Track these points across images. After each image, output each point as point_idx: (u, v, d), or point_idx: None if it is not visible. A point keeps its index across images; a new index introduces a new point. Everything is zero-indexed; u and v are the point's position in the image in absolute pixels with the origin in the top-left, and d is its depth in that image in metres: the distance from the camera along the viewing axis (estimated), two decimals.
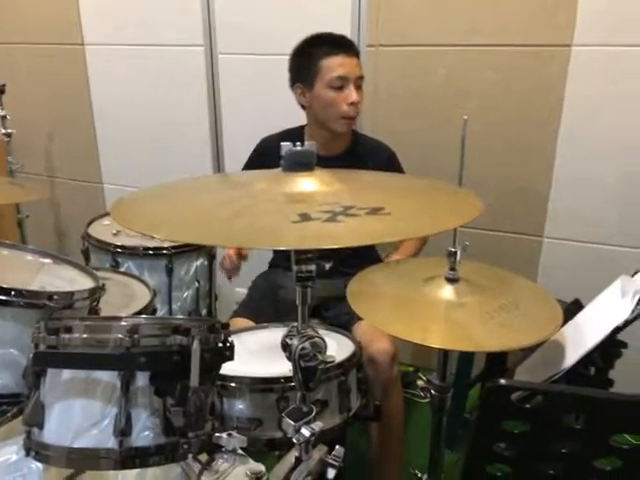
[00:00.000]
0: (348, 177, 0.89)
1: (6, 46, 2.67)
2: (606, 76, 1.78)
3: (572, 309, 1.30)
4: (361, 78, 1.62)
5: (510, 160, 1.97)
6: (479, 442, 0.85)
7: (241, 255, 1.73)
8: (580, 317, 1.16)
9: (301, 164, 0.81)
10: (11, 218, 2.51)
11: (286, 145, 0.83)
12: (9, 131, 2.37)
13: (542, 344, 1.17)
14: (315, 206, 0.71)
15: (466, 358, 1.74)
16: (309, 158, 0.81)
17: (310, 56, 1.60)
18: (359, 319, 1.49)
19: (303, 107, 1.69)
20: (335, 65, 1.56)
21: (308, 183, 0.80)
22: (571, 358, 1.02)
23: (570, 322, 1.16)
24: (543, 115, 1.88)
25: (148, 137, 2.52)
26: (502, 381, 0.81)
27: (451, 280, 1.09)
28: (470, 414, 1.92)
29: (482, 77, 1.92)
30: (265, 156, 1.70)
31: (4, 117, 2.36)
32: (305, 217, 0.67)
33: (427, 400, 1.19)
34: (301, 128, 1.74)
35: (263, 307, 1.66)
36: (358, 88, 1.61)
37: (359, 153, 1.71)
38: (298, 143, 0.83)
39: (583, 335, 1.07)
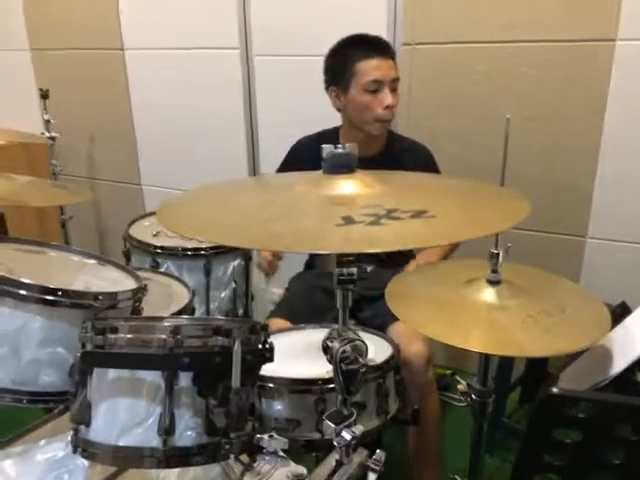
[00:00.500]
0: (389, 179, 0.88)
1: (49, 52, 2.75)
2: None
3: (619, 312, 1.26)
4: (396, 80, 1.61)
5: (551, 158, 1.92)
6: (529, 451, 0.83)
7: (276, 255, 1.73)
8: (629, 321, 1.12)
9: (342, 166, 0.80)
10: (55, 219, 2.59)
11: (327, 147, 0.82)
12: (53, 135, 2.44)
13: (588, 348, 1.14)
14: (358, 209, 0.70)
15: (506, 361, 1.71)
16: (350, 160, 0.81)
17: (345, 59, 1.59)
18: (394, 320, 1.48)
19: (338, 109, 1.68)
20: (370, 68, 1.55)
21: (349, 185, 0.79)
22: (620, 364, 0.99)
23: (618, 326, 1.12)
24: (585, 112, 1.83)
25: (185, 139, 2.56)
26: (555, 390, 0.79)
27: (493, 283, 1.07)
28: (509, 418, 1.89)
29: (520, 73, 1.88)
30: (300, 158, 1.70)
31: (48, 121, 2.43)
32: (348, 220, 0.66)
33: (464, 404, 1.17)
34: (336, 130, 1.74)
35: (299, 308, 1.66)
36: (393, 90, 1.59)
37: (395, 153, 1.70)
38: (339, 145, 0.83)
39: (633, 340, 1.03)
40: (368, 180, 0.80)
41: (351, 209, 0.71)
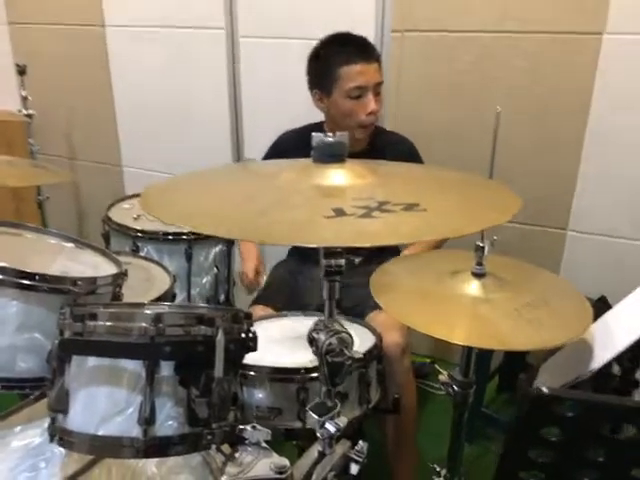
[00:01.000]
0: (380, 169, 0.87)
1: (27, 26, 2.67)
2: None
3: (599, 307, 1.28)
4: (380, 84, 1.58)
5: (538, 151, 1.92)
6: (514, 448, 0.84)
7: (258, 272, 1.70)
8: (609, 316, 1.13)
9: (332, 155, 0.79)
10: (31, 200, 2.52)
11: (317, 135, 0.81)
12: (30, 112, 2.37)
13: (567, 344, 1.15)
14: (349, 200, 0.69)
15: (486, 351, 1.72)
16: (341, 149, 0.79)
17: (328, 63, 1.56)
18: (374, 309, 1.48)
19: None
20: (354, 74, 1.52)
21: (340, 176, 0.77)
22: (599, 360, 1.00)
23: (598, 321, 1.13)
24: (571, 106, 1.83)
25: (168, 120, 2.51)
26: (544, 389, 0.79)
27: (478, 275, 1.07)
28: (487, 407, 1.91)
29: (511, 65, 1.87)
30: (284, 151, 1.67)
31: (25, 98, 2.35)
32: (339, 212, 0.65)
33: (443, 392, 1.18)
34: (321, 124, 1.71)
35: (282, 295, 1.66)
36: (377, 94, 1.57)
37: (379, 148, 1.68)
38: (329, 134, 0.81)
39: (613, 336, 1.05)
40: (359, 170, 0.79)
41: (342, 200, 0.70)
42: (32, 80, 2.37)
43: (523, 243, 1.99)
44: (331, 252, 0.73)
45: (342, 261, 0.74)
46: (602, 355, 1.00)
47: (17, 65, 2.34)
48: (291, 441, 1.27)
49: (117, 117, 2.63)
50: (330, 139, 0.79)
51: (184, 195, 0.80)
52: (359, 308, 1.52)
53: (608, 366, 1.04)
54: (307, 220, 0.66)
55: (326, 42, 1.59)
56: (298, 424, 1.16)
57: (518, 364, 1.83)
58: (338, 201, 0.70)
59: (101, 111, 2.63)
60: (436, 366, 2.24)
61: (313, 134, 0.81)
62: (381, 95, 1.61)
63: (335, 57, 1.54)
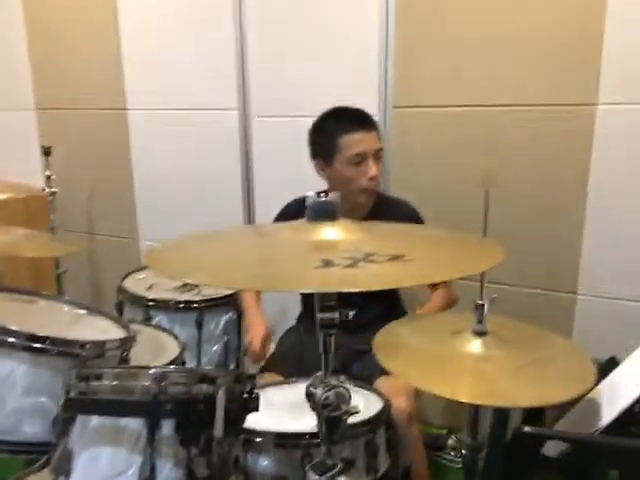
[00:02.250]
0: (372, 227, 0.91)
1: (53, 111, 2.85)
2: (635, 134, 1.78)
3: (608, 367, 1.26)
4: (380, 150, 1.64)
5: (539, 217, 1.95)
6: None
7: (266, 340, 1.67)
8: (615, 374, 1.12)
9: (325, 214, 0.83)
10: (50, 273, 2.60)
11: (310, 196, 0.85)
12: (53, 190, 2.49)
13: (578, 402, 1.13)
14: (338, 253, 0.72)
15: (500, 417, 1.67)
16: (333, 208, 0.84)
17: (328, 133, 1.62)
18: (382, 374, 1.47)
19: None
20: (354, 142, 1.58)
21: (331, 232, 0.82)
22: (607, 416, 0.98)
23: (605, 380, 1.12)
24: (570, 173, 1.88)
25: (183, 196, 2.61)
26: (527, 428, 0.78)
27: (479, 333, 1.07)
28: None
29: (507, 136, 1.95)
30: (288, 219, 1.71)
31: (49, 177, 2.48)
32: (328, 263, 0.69)
33: (460, 466, 1.15)
34: (324, 193, 1.76)
35: (291, 362, 1.65)
36: (377, 159, 1.62)
37: (380, 215, 1.68)
38: (322, 194, 0.86)
39: (618, 392, 1.03)
40: (350, 227, 0.83)
41: (332, 253, 0.73)
42: (56, 160, 2.52)
43: (534, 308, 1.99)
44: (325, 306, 0.76)
45: (336, 314, 0.77)
46: (609, 412, 0.98)
47: (43, 147, 2.49)
48: None
49: (135, 194, 2.74)
50: (322, 199, 0.84)
51: (188, 252, 0.85)
52: (367, 372, 1.51)
53: (628, 412, 1.00)
54: (298, 270, 0.69)
55: (325, 115, 1.67)
56: None
57: None
58: (327, 253, 0.73)
59: (120, 188, 2.75)
60: (452, 436, 2.17)
61: (307, 195, 0.86)
62: (381, 160, 1.66)
63: (335, 127, 1.62)
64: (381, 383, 1.47)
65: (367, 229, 0.85)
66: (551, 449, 0.79)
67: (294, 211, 1.58)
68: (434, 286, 1.70)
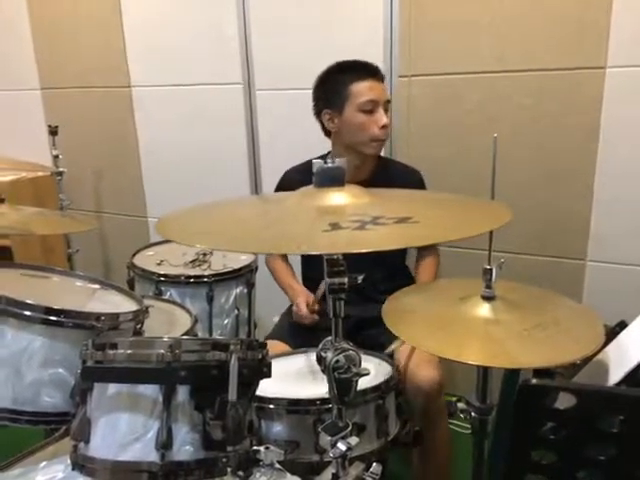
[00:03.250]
0: (378, 192, 0.91)
1: (59, 91, 2.85)
2: None
3: (618, 330, 1.26)
4: (389, 102, 1.67)
5: (547, 184, 1.95)
6: (517, 448, 0.83)
7: (313, 303, 1.62)
8: (623, 335, 1.13)
9: (332, 180, 0.84)
10: (61, 253, 2.63)
11: (317, 162, 0.86)
12: (61, 170, 2.50)
13: (586, 365, 1.14)
14: (345, 217, 0.73)
15: (510, 381, 1.69)
16: (340, 174, 0.84)
17: (338, 82, 1.63)
18: (392, 339, 1.47)
19: (328, 134, 1.72)
20: (365, 89, 1.60)
21: (339, 197, 0.82)
22: (614, 376, 0.99)
23: (614, 341, 1.13)
24: (579, 138, 1.87)
25: (190, 172, 2.62)
26: (534, 381, 0.79)
27: (487, 298, 1.08)
28: None
29: (514, 102, 1.93)
30: (288, 188, 1.72)
31: (56, 157, 2.49)
32: (335, 226, 0.69)
33: (470, 431, 1.16)
34: (323, 157, 1.75)
35: (296, 332, 1.66)
36: (386, 111, 1.64)
37: (386, 177, 1.71)
38: (329, 160, 0.86)
39: (626, 352, 1.04)
40: (357, 192, 0.84)
41: (339, 217, 0.74)
42: (63, 139, 2.52)
43: (544, 275, 1.99)
44: (334, 271, 0.77)
45: (345, 279, 0.78)
46: (617, 372, 0.99)
47: (49, 126, 2.49)
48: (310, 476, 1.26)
49: (142, 171, 2.75)
50: (329, 165, 0.84)
51: (197, 219, 0.86)
52: (383, 337, 1.52)
53: (636, 370, 1.00)
54: (305, 233, 0.70)
55: (333, 67, 1.67)
56: (316, 457, 1.16)
57: None
58: (335, 217, 0.74)
59: (127, 166, 2.76)
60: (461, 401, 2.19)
61: (314, 161, 0.87)
62: (390, 113, 1.67)
63: (344, 77, 1.62)
64: (405, 349, 1.46)
65: (374, 194, 0.85)
66: (559, 403, 0.80)
67: (297, 179, 1.57)
68: (424, 250, 1.75)
